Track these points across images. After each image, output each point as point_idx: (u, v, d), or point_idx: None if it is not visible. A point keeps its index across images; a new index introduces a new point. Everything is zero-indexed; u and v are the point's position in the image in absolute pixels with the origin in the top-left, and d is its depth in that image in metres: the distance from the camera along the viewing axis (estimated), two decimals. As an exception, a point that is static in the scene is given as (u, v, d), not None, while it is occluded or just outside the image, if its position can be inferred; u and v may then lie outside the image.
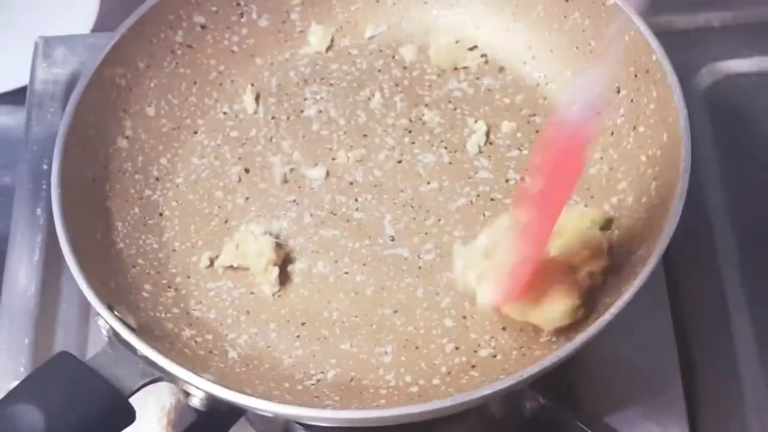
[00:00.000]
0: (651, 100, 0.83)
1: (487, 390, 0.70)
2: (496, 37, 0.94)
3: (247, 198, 0.88)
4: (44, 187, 0.98)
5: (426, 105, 0.92)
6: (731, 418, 0.83)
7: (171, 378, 0.72)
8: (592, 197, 0.86)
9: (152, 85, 0.90)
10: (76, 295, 0.92)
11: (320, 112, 0.93)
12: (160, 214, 0.87)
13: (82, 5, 1.15)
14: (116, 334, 0.73)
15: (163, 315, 0.81)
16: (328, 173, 0.89)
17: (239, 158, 0.90)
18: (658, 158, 0.82)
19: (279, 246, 0.84)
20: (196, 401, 0.72)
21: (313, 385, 0.78)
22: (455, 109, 0.92)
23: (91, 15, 1.15)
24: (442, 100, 0.92)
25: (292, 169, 0.89)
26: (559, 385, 0.82)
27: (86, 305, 0.90)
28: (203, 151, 0.91)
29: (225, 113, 0.93)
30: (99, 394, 0.69)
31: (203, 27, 0.93)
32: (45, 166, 0.99)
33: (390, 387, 0.78)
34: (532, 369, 0.70)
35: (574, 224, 0.79)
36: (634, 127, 0.85)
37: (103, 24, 1.15)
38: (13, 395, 0.68)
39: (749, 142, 0.99)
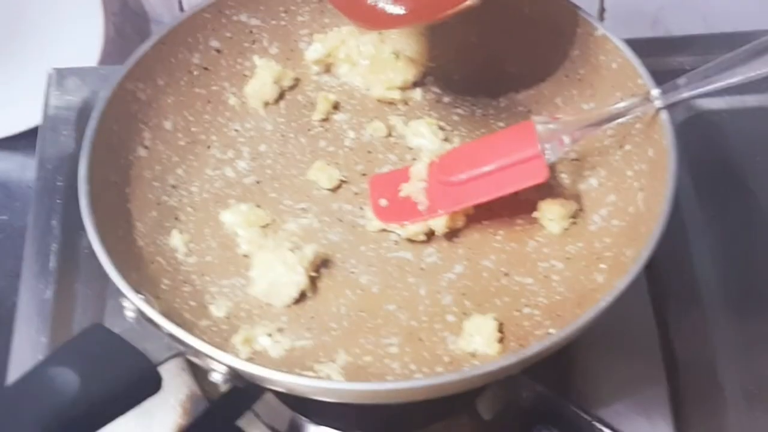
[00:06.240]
0: (637, 120, 0.89)
1: (486, 368, 0.74)
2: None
3: (258, 205, 0.93)
4: (58, 201, 1.03)
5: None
6: (711, 412, 0.89)
7: (195, 352, 0.76)
8: (582, 210, 0.92)
9: (170, 101, 0.96)
10: (90, 301, 0.96)
11: (326, 131, 0.99)
12: (176, 218, 0.92)
13: (88, 42, 1.21)
14: (143, 314, 0.77)
15: (181, 306, 0.85)
16: (334, 185, 0.95)
17: (250, 171, 0.96)
18: (644, 172, 0.88)
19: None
20: (218, 377, 0.76)
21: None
22: (452, 131, 0.98)
23: (96, 51, 1.20)
24: (442, 121, 0.99)
25: (300, 181, 0.95)
26: (554, 377, 0.87)
27: (101, 309, 0.95)
28: (216, 164, 0.96)
29: (237, 130, 0.99)
30: (130, 361, 0.73)
31: (218, 51, 0.99)
32: (59, 183, 1.04)
33: (396, 374, 0.82)
34: (526, 352, 0.74)
35: None
36: (621, 146, 0.91)
37: (106, 61, 1.21)
38: (50, 359, 0.73)
39: (719, 175, 1.06)
